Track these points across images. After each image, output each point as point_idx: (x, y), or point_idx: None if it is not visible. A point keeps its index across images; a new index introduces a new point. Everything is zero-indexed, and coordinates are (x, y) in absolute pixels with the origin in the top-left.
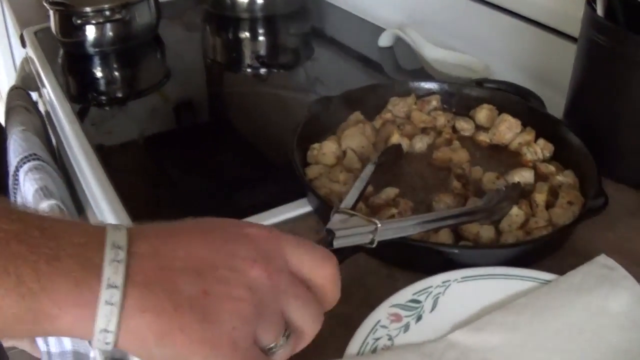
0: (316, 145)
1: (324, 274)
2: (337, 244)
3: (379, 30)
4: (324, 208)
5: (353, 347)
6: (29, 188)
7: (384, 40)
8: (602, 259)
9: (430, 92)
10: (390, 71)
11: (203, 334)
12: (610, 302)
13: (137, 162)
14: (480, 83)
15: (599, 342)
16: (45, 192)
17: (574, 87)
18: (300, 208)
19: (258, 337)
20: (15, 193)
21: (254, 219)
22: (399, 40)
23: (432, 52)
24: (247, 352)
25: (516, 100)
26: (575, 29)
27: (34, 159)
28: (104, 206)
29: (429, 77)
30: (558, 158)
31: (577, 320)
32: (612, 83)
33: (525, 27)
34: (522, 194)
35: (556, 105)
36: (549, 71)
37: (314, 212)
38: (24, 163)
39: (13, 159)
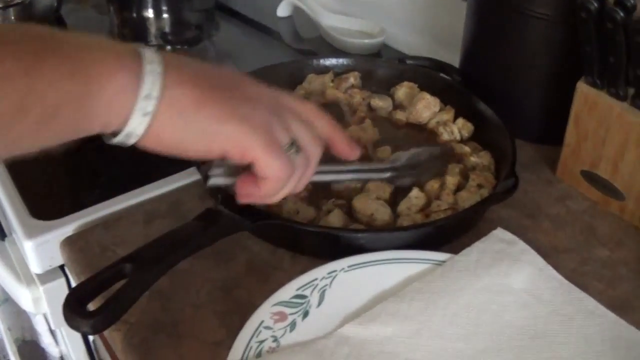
0: None
1: (310, 111)
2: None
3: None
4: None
5: (235, 354)
6: None
7: (283, 10)
8: (499, 233)
9: (349, 69)
10: (291, 41)
11: (234, 110)
12: (510, 279)
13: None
14: (402, 60)
15: (501, 322)
16: None
17: (466, 44)
18: (188, 177)
19: (276, 127)
20: None
21: (144, 189)
22: (297, 9)
23: (328, 19)
24: (275, 136)
25: (438, 77)
26: None
27: None
28: None
29: (347, 54)
30: (479, 138)
31: (476, 301)
32: (503, 36)
33: None
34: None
35: (453, 64)
36: (443, 30)
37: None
38: None
39: None
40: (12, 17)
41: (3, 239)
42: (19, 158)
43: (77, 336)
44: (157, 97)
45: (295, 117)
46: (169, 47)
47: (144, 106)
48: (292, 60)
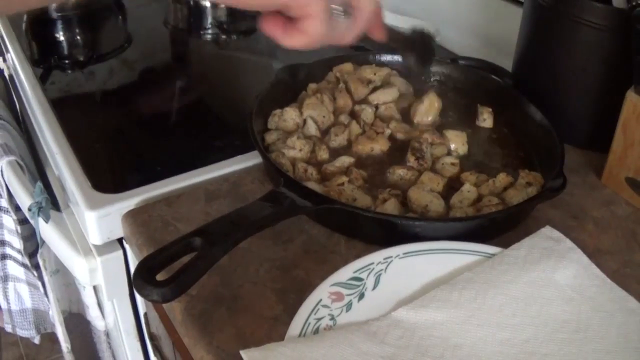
0: (277, 111)
1: None
2: None
3: None
4: (272, 170)
5: (294, 328)
6: None
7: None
8: (547, 231)
9: (404, 67)
10: None
11: None
12: (556, 274)
13: (96, 122)
14: (454, 60)
15: (546, 315)
16: (5, 148)
17: (520, 49)
18: (249, 159)
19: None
20: None
21: (206, 169)
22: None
23: (386, 17)
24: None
25: (489, 78)
26: None
27: None
28: (61, 164)
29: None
30: (524, 132)
31: (522, 294)
32: (556, 43)
33: None
34: None
35: (505, 68)
36: (497, 34)
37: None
38: None
39: None
40: (71, 1)
41: (59, 210)
42: (81, 132)
43: (128, 309)
44: None
45: None
46: (224, 36)
47: None
48: (354, 54)
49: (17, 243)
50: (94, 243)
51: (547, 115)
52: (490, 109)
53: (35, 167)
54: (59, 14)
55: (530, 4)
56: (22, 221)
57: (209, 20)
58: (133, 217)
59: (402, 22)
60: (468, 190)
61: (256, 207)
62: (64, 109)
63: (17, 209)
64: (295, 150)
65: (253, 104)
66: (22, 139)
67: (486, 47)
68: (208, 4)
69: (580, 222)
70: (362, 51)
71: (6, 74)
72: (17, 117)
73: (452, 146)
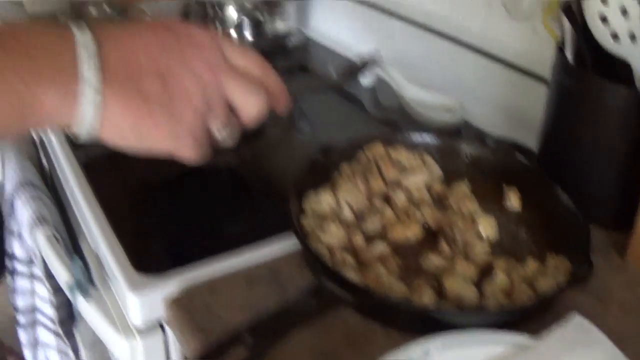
0: (312, 194)
1: (255, 65)
2: None
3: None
4: (312, 259)
5: None
6: (23, 214)
7: (366, 79)
8: (576, 320)
9: (433, 146)
10: (372, 108)
11: (167, 122)
12: None
13: (130, 190)
14: (483, 140)
15: None
16: (40, 220)
17: (545, 128)
18: (286, 241)
19: (209, 124)
20: (10, 219)
21: (245, 251)
22: (379, 78)
23: (410, 91)
24: (201, 140)
25: (514, 158)
26: (546, 71)
27: (29, 186)
28: (101, 242)
29: (432, 130)
30: (550, 214)
31: None
32: (581, 123)
33: (499, 67)
34: None
35: (528, 144)
36: (521, 111)
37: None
38: (20, 190)
39: (9, 185)
40: None
41: (93, 283)
42: (117, 203)
43: None
44: (94, 119)
45: (232, 78)
46: None
47: (85, 125)
48: (380, 133)
49: (49, 310)
50: (134, 324)
51: (572, 194)
52: (516, 190)
53: (68, 235)
54: None
55: (556, 84)
56: (56, 289)
57: None
58: (176, 303)
59: (426, 97)
60: (500, 278)
61: (301, 303)
62: (98, 176)
63: (49, 276)
64: (332, 236)
65: (290, 187)
66: (55, 208)
67: (510, 123)
68: None
69: (604, 305)
70: (392, 127)
71: (36, 137)
72: (44, 176)
73: (482, 231)
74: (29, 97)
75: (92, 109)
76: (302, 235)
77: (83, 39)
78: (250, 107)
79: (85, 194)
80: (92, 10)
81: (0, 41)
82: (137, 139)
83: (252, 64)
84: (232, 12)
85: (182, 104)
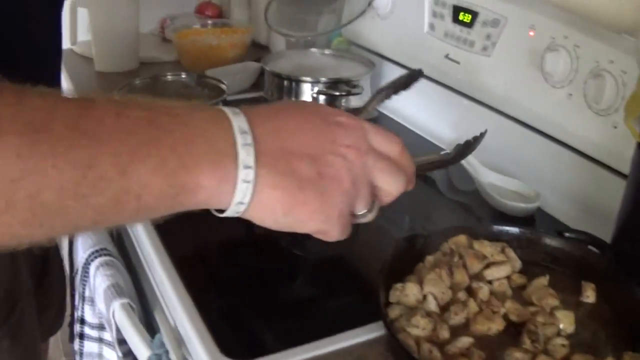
0: (399, 285)
1: (396, 149)
2: None
3: (432, 146)
4: (400, 351)
5: None
6: (100, 284)
7: None
8: None
9: (513, 237)
10: (446, 190)
11: (320, 206)
12: None
13: (213, 270)
14: (561, 233)
15: None
16: (117, 289)
17: (621, 222)
18: (370, 333)
19: (354, 207)
20: (84, 285)
21: (330, 340)
22: None
23: (486, 176)
24: (347, 220)
25: (591, 253)
26: (624, 166)
27: (104, 254)
28: (180, 312)
29: (514, 224)
30: (626, 310)
31: None
32: None
33: (576, 158)
34: None
35: (602, 236)
36: (596, 203)
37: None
38: (95, 257)
39: (82, 251)
40: None
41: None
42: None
43: None
44: (247, 204)
45: (378, 165)
46: None
47: (236, 208)
48: (466, 226)
49: None
50: None
51: None
52: (593, 286)
53: (139, 303)
54: None
55: (634, 178)
56: (126, 354)
57: None
58: None
59: (502, 182)
60: None
61: None
62: (173, 240)
63: (121, 342)
64: (419, 329)
65: (379, 277)
66: (128, 276)
67: (585, 214)
68: None
69: None
70: (467, 212)
71: None
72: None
73: (562, 326)
74: (190, 182)
75: (249, 195)
76: (391, 327)
77: (238, 124)
78: (392, 188)
79: (165, 266)
80: (169, 75)
81: (157, 119)
82: (288, 221)
83: (393, 146)
84: (306, 87)
85: (333, 187)
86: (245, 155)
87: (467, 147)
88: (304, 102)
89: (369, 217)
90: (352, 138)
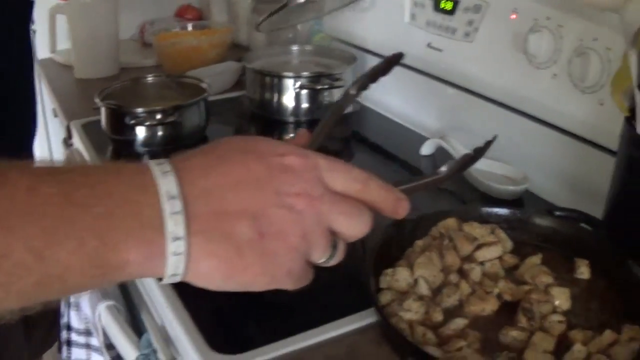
0: (389, 271)
1: (357, 186)
2: None
3: (416, 135)
4: (394, 336)
5: None
6: None
7: (426, 149)
8: None
9: (503, 218)
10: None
11: (263, 269)
12: None
13: None
14: (550, 212)
15: None
16: (102, 292)
17: (612, 199)
18: (362, 320)
19: (309, 257)
20: None
21: (322, 330)
22: (440, 148)
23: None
24: (300, 273)
25: (585, 230)
26: (612, 142)
27: None
28: (167, 311)
29: (502, 204)
30: (621, 284)
31: None
32: None
33: (562, 138)
34: None
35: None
36: (585, 181)
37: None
38: None
39: None
40: (160, 133)
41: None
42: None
43: None
44: (181, 274)
45: (335, 209)
46: None
47: (172, 279)
48: (454, 209)
49: None
50: None
51: None
52: (587, 262)
53: (125, 305)
54: (146, 149)
55: (623, 155)
56: (114, 358)
57: None
58: None
59: (489, 166)
60: (578, 350)
61: None
62: None
63: (109, 347)
64: (411, 312)
65: (367, 264)
66: None
67: (574, 194)
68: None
69: None
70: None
71: None
72: None
73: (557, 303)
74: (114, 260)
75: (182, 267)
76: (383, 312)
77: (166, 188)
78: (354, 232)
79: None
80: (149, 78)
81: (73, 193)
82: (231, 286)
83: (353, 184)
84: (289, 83)
85: (277, 246)
86: (174, 225)
87: (466, 163)
88: (246, 143)
89: (332, 262)
90: (301, 184)
